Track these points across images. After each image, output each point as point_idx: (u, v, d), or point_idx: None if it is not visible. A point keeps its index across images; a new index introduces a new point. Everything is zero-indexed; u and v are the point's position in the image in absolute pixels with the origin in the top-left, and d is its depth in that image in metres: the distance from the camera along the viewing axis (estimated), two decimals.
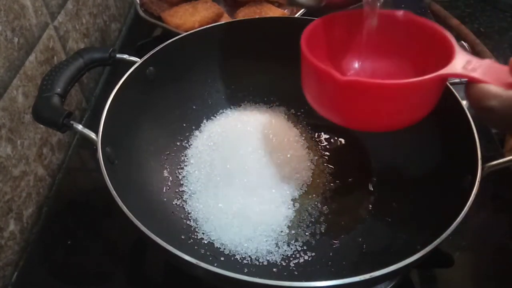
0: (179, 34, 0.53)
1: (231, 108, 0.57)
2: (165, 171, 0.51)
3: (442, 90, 0.36)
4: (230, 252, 0.44)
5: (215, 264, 0.41)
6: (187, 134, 0.55)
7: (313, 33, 0.40)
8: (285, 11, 0.70)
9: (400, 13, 0.40)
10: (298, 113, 0.57)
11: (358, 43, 0.42)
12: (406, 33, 0.40)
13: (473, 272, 0.46)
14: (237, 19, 0.66)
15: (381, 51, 0.42)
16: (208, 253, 0.43)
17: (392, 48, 0.42)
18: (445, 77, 0.34)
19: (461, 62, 0.33)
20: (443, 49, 0.36)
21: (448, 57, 0.34)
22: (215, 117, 0.57)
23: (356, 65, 0.43)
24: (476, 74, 0.31)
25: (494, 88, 0.31)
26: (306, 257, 0.43)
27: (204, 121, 0.56)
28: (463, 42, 0.61)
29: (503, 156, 0.50)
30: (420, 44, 0.40)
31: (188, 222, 0.46)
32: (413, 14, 0.40)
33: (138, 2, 0.69)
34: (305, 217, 0.47)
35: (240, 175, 0.49)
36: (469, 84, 0.32)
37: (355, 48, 0.42)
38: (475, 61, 0.33)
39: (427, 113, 0.36)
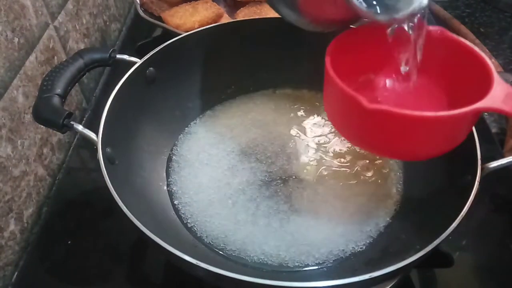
0: (179, 34, 0.53)
1: (231, 109, 0.57)
2: (164, 170, 0.51)
3: (476, 120, 0.34)
4: (230, 252, 0.44)
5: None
6: (187, 134, 0.55)
7: (339, 48, 0.36)
8: None
9: (435, 29, 0.36)
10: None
11: (388, 58, 0.37)
12: (440, 52, 0.37)
13: (473, 272, 0.46)
14: (237, 19, 0.66)
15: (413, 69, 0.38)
16: (208, 253, 0.43)
17: (424, 66, 0.37)
18: (481, 111, 0.31)
19: (501, 95, 0.30)
20: (479, 74, 0.33)
21: (485, 85, 0.32)
22: (215, 117, 0.57)
23: (386, 83, 0.39)
24: None
25: None
26: (306, 257, 0.43)
27: (204, 121, 0.56)
28: None
29: (503, 156, 0.50)
30: (454, 65, 0.36)
31: (188, 222, 0.46)
32: (449, 32, 0.37)
33: (138, 2, 0.69)
34: None
35: (240, 175, 0.49)
36: None
37: (385, 63, 0.38)
38: None
39: (459, 143, 0.34)
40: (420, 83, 0.37)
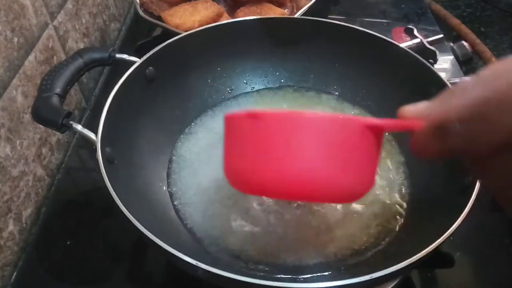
0: (179, 34, 0.53)
1: (231, 108, 0.57)
2: (164, 170, 0.51)
3: (379, 149, 0.28)
4: (230, 252, 0.44)
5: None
6: (187, 134, 0.55)
7: None
8: (285, 11, 0.70)
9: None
10: None
11: None
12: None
13: (473, 273, 0.46)
14: (237, 19, 0.66)
15: None
16: (208, 254, 0.43)
17: None
18: (365, 125, 0.27)
19: None
20: None
21: None
22: (215, 117, 0.57)
23: None
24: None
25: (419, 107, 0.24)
26: (306, 258, 0.43)
27: (204, 120, 0.56)
28: (463, 42, 0.61)
29: None
30: None
31: (188, 222, 0.46)
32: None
33: (138, 1, 0.69)
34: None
35: None
36: (411, 139, 0.26)
37: None
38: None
39: (366, 184, 0.29)
40: None
